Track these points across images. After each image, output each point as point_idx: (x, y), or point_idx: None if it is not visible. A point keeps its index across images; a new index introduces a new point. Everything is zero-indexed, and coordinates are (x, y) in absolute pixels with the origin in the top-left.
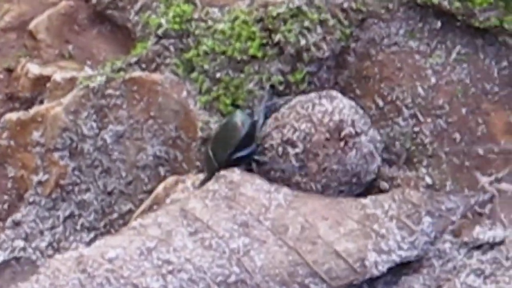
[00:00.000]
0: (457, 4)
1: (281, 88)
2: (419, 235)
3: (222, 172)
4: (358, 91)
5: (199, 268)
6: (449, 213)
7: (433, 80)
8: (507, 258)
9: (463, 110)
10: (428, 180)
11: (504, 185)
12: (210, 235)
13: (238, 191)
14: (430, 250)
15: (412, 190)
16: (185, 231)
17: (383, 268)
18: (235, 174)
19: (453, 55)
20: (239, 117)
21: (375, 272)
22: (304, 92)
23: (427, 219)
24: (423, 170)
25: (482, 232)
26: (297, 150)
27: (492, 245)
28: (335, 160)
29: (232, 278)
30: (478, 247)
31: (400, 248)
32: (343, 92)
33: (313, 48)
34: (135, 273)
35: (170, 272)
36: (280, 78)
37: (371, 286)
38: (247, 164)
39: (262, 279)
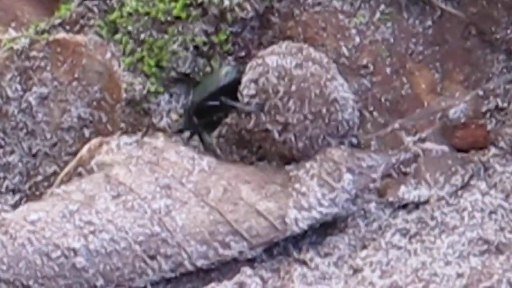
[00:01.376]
0: None
1: (205, 49)
2: (339, 192)
3: (146, 139)
4: None
5: (120, 229)
6: (370, 171)
7: (357, 39)
8: (432, 218)
9: (388, 70)
10: (353, 139)
11: (428, 145)
12: (132, 197)
13: (161, 156)
14: (350, 209)
15: (334, 149)
16: (108, 195)
17: (303, 224)
18: (159, 141)
19: (377, 15)
20: (225, 68)
21: (296, 229)
22: (228, 52)
23: (347, 176)
24: None
25: (407, 192)
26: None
27: (417, 205)
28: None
29: (154, 237)
30: (404, 206)
31: (320, 204)
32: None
33: (236, 9)
34: (57, 233)
35: (92, 232)
36: (204, 39)
37: (296, 246)
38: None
39: (183, 238)
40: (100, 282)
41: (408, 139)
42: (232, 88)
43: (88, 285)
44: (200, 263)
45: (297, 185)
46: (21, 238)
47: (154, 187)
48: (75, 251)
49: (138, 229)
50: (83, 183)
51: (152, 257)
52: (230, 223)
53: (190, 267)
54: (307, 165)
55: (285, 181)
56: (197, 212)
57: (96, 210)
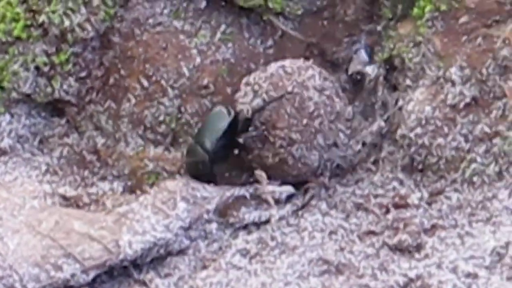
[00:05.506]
0: None
1: (45, 69)
2: (173, 219)
3: None
4: (123, 72)
5: None
6: (204, 202)
7: (198, 60)
8: (272, 238)
9: (228, 90)
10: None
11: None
12: None
13: None
14: (183, 243)
15: (168, 180)
16: None
17: (137, 247)
18: None
19: (218, 35)
20: (224, 108)
21: (129, 252)
22: (69, 73)
23: (182, 205)
24: None
25: (248, 212)
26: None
27: (258, 225)
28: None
29: None
30: (244, 227)
31: (154, 229)
32: (108, 72)
33: (77, 29)
34: None
35: None
36: (45, 59)
37: (136, 267)
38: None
39: (15, 261)
40: None
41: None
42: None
43: None
44: (31, 285)
45: (130, 215)
46: None
47: None
48: None
49: None
50: None
51: None
52: (63, 247)
53: None
54: (141, 198)
55: (118, 216)
56: (29, 238)
57: None
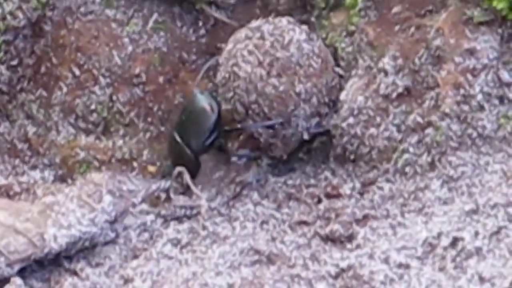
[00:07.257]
0: None
1: None
2: (99, 213)
3: None
4: (54, 60)
5: None
6: (130, 195)
7: (130, 48)
8: (203, 228)
9: (160, 79)
10: (125, 149)
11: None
12: None
13: None
14: (109, 235)
15: (94, 173)
16: None
17: (62, 241)
18: None
19: (150, 24)
20: (206, 100)
21: (55, 246)
22: (0, 61)
23: (107, 198)
24: (120, 139)
25: (179, 202)
26: None
27: (189, 216)
28: None
29: None
30: (176, 217)
31: (80, 223)
32: (40, 61)
33: (8, 17)
34: None
35: None
36: None
37: (67, 258)
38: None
39: None
40: None
41: None
42: None
43: None
44: None
45: (56, 207)
46: None
47: None
48: None
49: None
50: None
51: None
52: None
53: None
54: (66, 190)
55: (43, 208)
56: None
57: None
